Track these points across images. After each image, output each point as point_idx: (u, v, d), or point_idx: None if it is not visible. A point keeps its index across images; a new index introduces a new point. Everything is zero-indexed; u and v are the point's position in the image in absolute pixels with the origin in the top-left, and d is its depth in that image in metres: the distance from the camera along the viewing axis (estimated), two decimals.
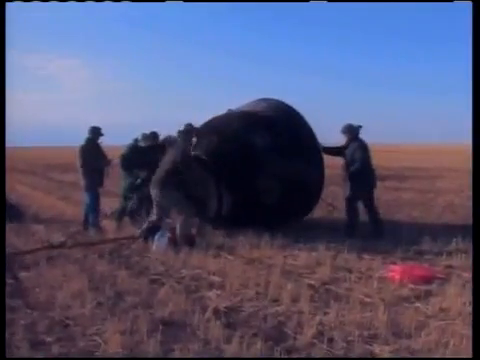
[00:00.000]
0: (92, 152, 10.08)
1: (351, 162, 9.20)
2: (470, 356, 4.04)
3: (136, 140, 10.40)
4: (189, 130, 9.06)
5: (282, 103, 10.21)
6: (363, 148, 9.25)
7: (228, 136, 9.36)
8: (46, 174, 27.32)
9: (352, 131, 9.43)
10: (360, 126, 9.48)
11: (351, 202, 9.31)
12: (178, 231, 8.42)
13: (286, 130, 9.47)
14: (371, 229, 9.19)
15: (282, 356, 4.22)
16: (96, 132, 10.17)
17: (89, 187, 10.05)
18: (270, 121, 9.58)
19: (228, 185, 9.11)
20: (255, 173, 9.02)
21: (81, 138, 10.22)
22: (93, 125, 10.26)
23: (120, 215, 10.36)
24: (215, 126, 9.90)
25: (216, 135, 9.44)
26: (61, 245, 8.62)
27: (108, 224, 10.30)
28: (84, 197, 10.34)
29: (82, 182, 10.15)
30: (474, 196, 5.03)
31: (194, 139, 9.03)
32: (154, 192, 8.53)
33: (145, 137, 10.30)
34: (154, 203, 8.66)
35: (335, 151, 9.74)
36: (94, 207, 10.08)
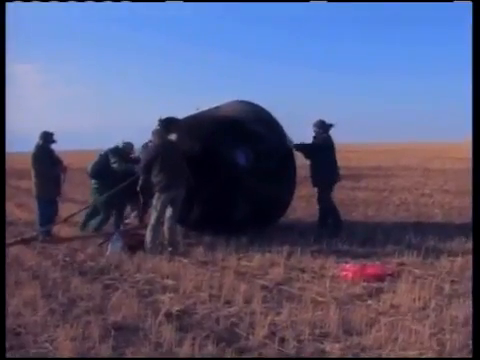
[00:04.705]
0: (45, 159, 9.69)
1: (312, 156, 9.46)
2: (470, 356, 4.10)
3: (115, 149, 9.98)
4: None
5: (266, 113, 9.85)
6: (325, 141, 9.44)
7: (210, 146, 8.86)
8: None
9: (323, 127, 9.53)
10: (332, 124, 9.60)
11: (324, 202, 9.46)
12: (167, 235, 8.35)
13: (269, 150, 9.17)
14: (330, 227, 9.37)
15: (234, 357, 4.24)
16: (47, 138, 9.77)
17: (42, 196, 9.66)
18: (256, 138, 9.17)
19: (200, 196, 8.85)
20: (230, 190, 8.79)
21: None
22: (44, 130, 9.81)
23: (86, 223, 10.10)
24: (197, 131, 9.22)
25: (197, 142, 8.95)
26: (32, 239, 8.90)
27: (63, 229, 10.11)
28: (36, 206, 9.92)
29: (34, 190, 9.76)
30: (474, 196, 5.10)
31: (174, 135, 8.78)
32: (179, 191, 8.34)
33: (127, 146, 10.03)
34: (174, 204, 8.39)
35: (303, 147, 9.72)
36: (47, 218, 9.65)
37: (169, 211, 8.35)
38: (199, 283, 6.35)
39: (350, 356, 4.30)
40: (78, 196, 13.57)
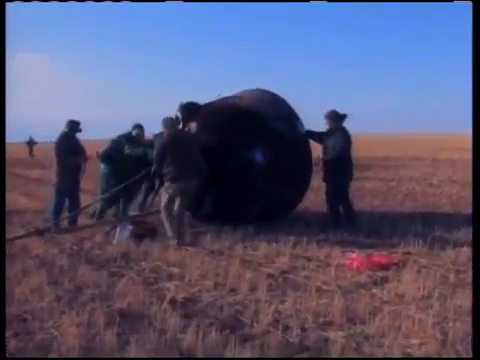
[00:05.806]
0: (69, 148, 9.46)
1: (332, 151, 8.97)
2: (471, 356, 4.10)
3: (128, 135, 9.91)
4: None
5: (286, 105, 9.64)
6: (346, 137, 9.03)
7: (227, 141, 8.74)
8: (9, 169, 26.86)
9: (337, 118, 9.10)
10: (345, 115, 9.14)
11: (331, 193, 9.28)
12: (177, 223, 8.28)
13: (286, 148, 8.94)
14: (344, 219, 9.24)
15: (237, 344, 4.26)
16: (73, 126, 9.55)
17: (62, 187, 9.44)
18: (275, 135, 8.92)
19: (213, 191, 8.82)
20: (243, 188, 8.67)
21: (49, 134, 9.76)
22: (71, 119, 9.58)
23: (102, 215, 9.99)
24: (215, 123, 9.04)
25: (215, 136, 8.83)
26: (46, 230, 8.78)
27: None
28: (52, 195, 9.66)
29: (55, 180, 9.49)
30: (474, 195, 5.10)
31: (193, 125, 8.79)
32: (188, 182, 8.21)
33: (138, 131, 9.95)
34: (184, 193, 8.28)
35: (317, 137, 9.45)
36: (59, 209, 9.52)
37: (178, 201, 8.30)
38: (205, 271, 6.39)
39: (353, 344, 4.32)
40: (88, 186, 13.58)
